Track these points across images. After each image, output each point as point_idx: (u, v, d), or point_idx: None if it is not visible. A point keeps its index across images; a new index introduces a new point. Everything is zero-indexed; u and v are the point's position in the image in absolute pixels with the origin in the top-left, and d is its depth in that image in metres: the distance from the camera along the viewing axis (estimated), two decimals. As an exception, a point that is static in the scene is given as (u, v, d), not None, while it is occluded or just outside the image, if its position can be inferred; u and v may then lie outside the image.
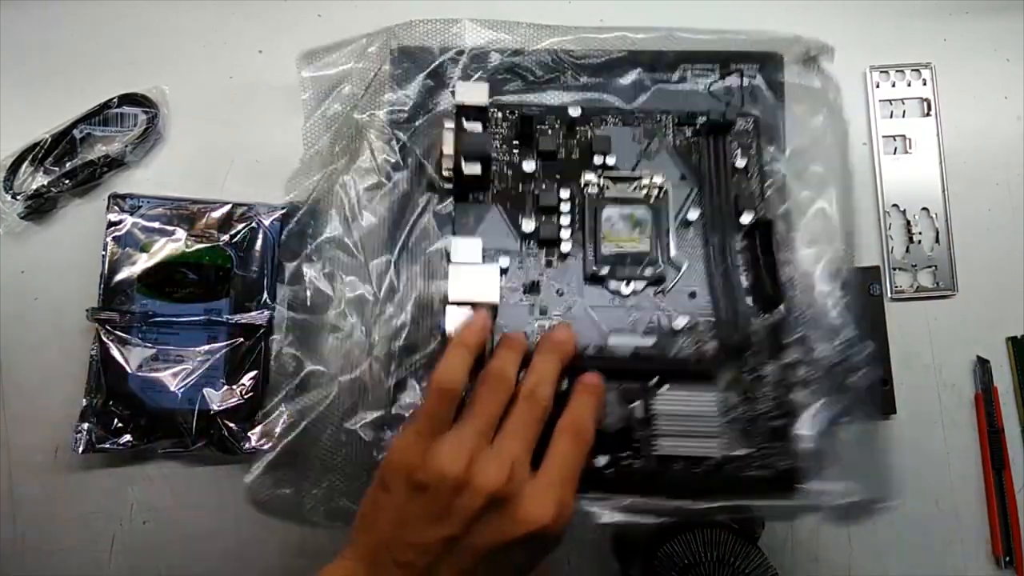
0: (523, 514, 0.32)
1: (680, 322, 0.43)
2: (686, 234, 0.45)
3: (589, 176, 0.45)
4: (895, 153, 0.55)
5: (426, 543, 0.32)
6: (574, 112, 0.45)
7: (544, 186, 0.45)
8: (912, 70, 0.55)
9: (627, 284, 0.44)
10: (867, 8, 0.56)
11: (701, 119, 0.46)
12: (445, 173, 0.44)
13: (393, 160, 0.46)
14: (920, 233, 0.54)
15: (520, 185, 0.45)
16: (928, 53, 0.55)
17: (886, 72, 0.55)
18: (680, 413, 0.41)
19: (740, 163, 0.46)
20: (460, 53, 0.47)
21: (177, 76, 0.54)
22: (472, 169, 0.43)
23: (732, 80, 0.48)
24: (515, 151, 0.46)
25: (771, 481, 0.41)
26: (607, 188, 0.45)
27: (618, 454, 0.41)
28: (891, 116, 0.55)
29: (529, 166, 0.45)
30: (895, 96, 0.55)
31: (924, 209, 0.54)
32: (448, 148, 0.43)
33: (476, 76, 0.47)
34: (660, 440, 0.41)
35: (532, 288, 0.44)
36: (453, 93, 0.45)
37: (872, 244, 0.54)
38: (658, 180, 0.45)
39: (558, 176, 0.46)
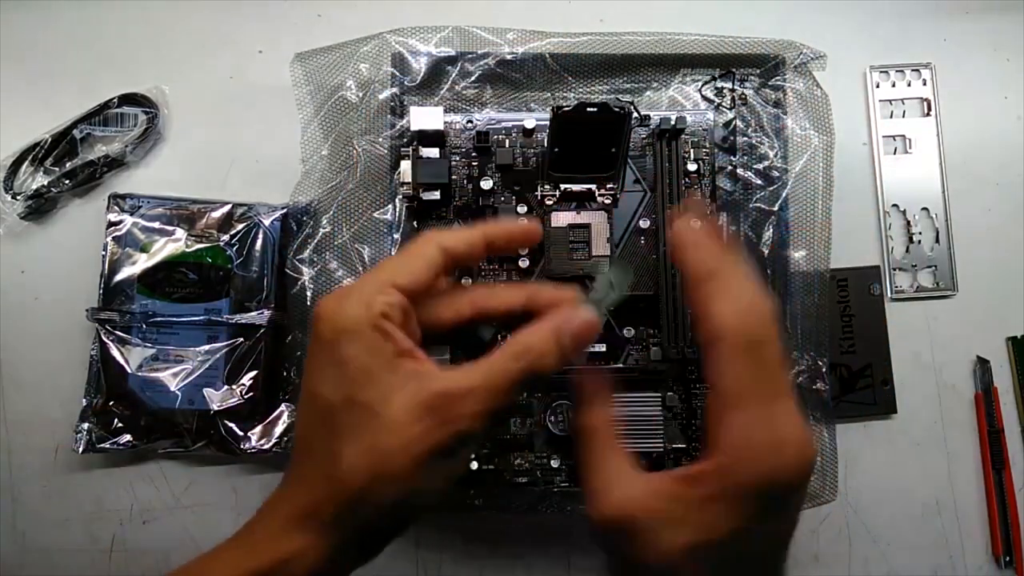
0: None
1: (629, 332, 0.46)
2: (638, 242, 0.46)
3: (545, 187, 0.46)
4: (895, 153, 0.55)
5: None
6: (529, 123, 0.46)
7: (503, 198, 0.46)
8: (912, 70, 0.55)
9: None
10: (867, 8, 0.56)
11: (655, 121, 0.47)
12: (403, 198, 0.46)
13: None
14: (920, 233, 0.54)
15: (480, 199, 0.47)
16: (928, 53, 0.55)
17: (886, 72, 0.55)
18: (627, 415, 0.45)
19: (692, 167, 0.47)
20: (452, 60, 0.48)
21: (177, 76, 0.54)
22: (431, 196, 0.45)
23: (726, 83, 0.49)
24: (474, 163, 0.47)
25: None
26: (559, 199, 0.46)
27: (568, 453, 0.45)
28: (891, 116, 0.55)
29: (487, 183, 0.46)
30: (895, 96, 0.55)
31: (924, 209, 0.54)
32: (406, 176, 0.44)
33: (465, 83, 0.48)
34: None
35: None
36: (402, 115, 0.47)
37: (872, 244, 0.54)
38: (610, 187, 0.46)
39: (516, 188, 0.46)
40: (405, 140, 0.46)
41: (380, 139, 0.47)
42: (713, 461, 0.27)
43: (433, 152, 0.46)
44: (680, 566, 0.26)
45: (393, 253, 0.46)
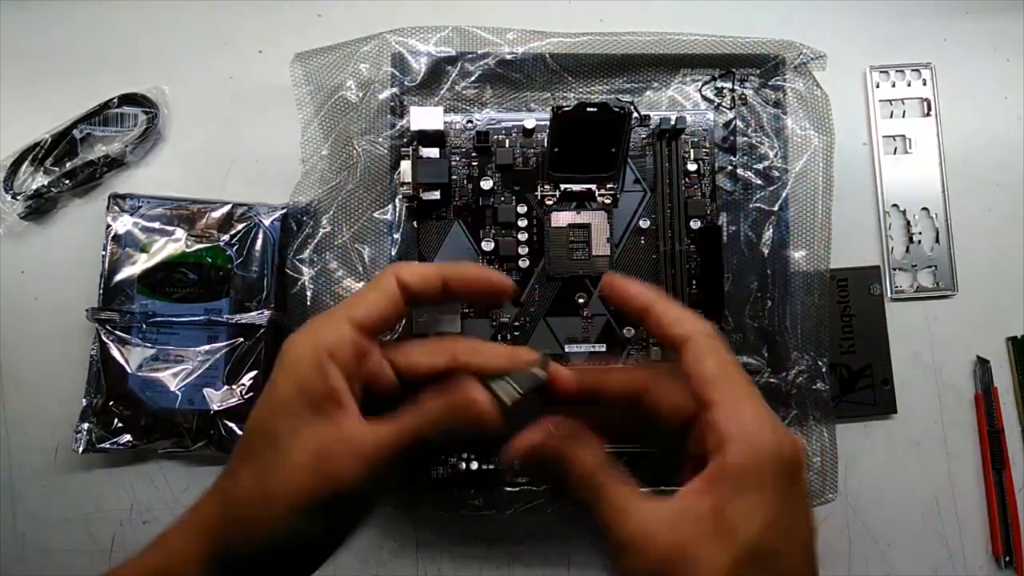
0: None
1: (629, 332, 0.46)
2: (637, 242, 0.46)
3: (545, 187, 0.46)
4: (895, 153, 0.55)
5: None
6: (529, 123, 0.46)
7: (503, 198, 0.46)
8: (912, 70, 0.55)
9: (580, 297, 0.46)
10: (867, 8, 0.56)
11: (655, 121, 0.47)
12: (403, 198, 0.46)
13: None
14: (920, 233, 0.54)
15: (480, 199, 0.47)
16: (928, 53, 0.55)
17: (886, 72, 0.55)
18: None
19: (692, 167, 0.47)
20: (452, 60, 0.48)
21: (177, 76, 0.54)
22: (431, 196, 0.44)
23: (726, 83, 0.49)
24: (474, 163, 0.47)
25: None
26: (559, 199, 0.46)
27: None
28: (891, 116, 0.55)
29: (487, 183, 0.47)
30: (895, 96, 0.55)
31: (924, 209, 0.54)
32: (406, 176, 0.44)
33: (465, 83, 0.48)
34: (605, 440, 0.44)
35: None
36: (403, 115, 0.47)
37: (872, 244, 0.54)
38: (610, 187, 0.46)
39: (516, 188, 0.46)
40: (405, 140, 0.46)
41: (380, 139, 0.47)
42: (716, 462, 0.26)
43: (433, 152, 0.46)
44: None
45: (393, 254, 0.46)
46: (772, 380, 0.46)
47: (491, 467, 0.46)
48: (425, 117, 0.45)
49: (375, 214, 0.48)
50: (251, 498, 0.28)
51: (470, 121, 0.47)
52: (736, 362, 0.29)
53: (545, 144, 0.45)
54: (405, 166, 0.45)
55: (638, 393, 0.30)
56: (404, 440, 0.28)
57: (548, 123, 0.43)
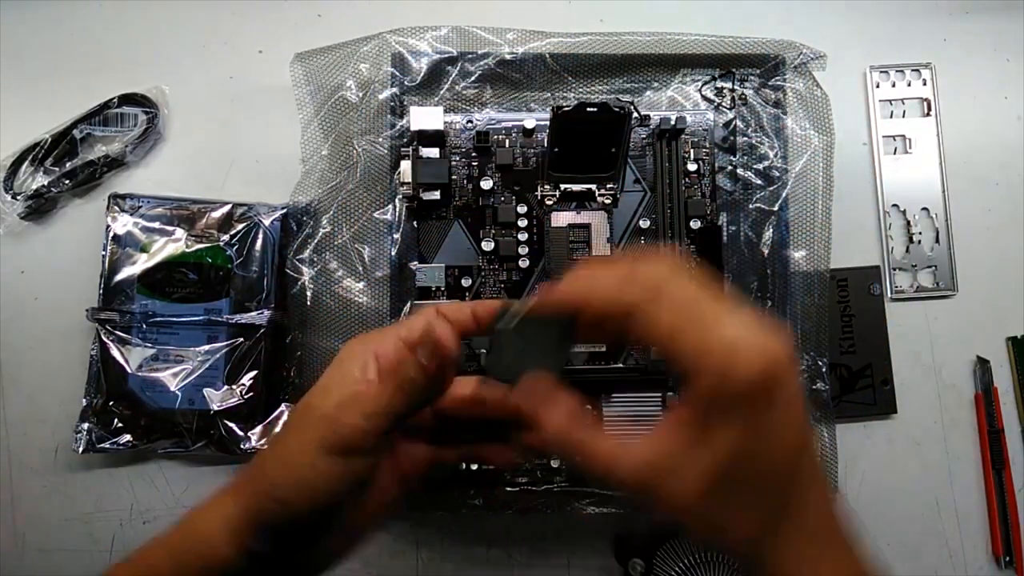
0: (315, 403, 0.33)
1: None
2: (638, 242, 0.46)
3: (545, 187, 0.46)
4: (895, 153, 0.55)
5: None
6: (529, 123, 0.46)
7: (503, 198, 0.46)
8: (912, 70, 0.55)
9: None
10: (867, 8, 0.56)
11: (655, 121, 0.47)
12: (403, 198, 0.46)
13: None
14: (920, 233, 0.54)
15: (479, 199, 0.47)
16: (928, 53, 0.55)
17: (886, 72, 0.55)
18: (626, 415, 0.46)
19: (692, 167, 0.47)
20: (452, 60, 0.48)
21: (177, 76, 0.54)
22: (431, 196, 0.44)
23: (726, 83, 0.49)
24: (474, 163, 0.47)
25: None
26: (559, 198, 0.46)
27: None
28: (891, 116, 0.55)
29: (487, 183, 0.47)
30: (895, 96, 0.55)
31: (924, 209, 0.54)
32: (406, 176, 0.44)
33: (465, 83, 0.48)
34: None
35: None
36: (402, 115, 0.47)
37: (872, 244, 0.54)
38: (610, 187, 0.46)
39: (516, 188, 0.46)
40: (405, 140, 0.46)
41: (380, 139, 0.47)
42: (687, 394, 0.27)
43: (433, 152, 0.46)
44: (706, 510, 0.27)
45: (393, 254, 0.46)
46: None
47: (491, 468, 0.46)
48: (425, 117, 0.45)
49: (375, 214, 0.48)
50: (285, 454, 0.32)
51: (470, 121, 0.47)
52: (690, 289, 0.27)
53: (545, 144, 0.45)
54: (405, 166, 0.45)
55: (622, 316, 0.29)
56: (393, 394, 0.32)
57: (548, 123, 0.43)
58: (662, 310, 0.27)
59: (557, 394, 0.30)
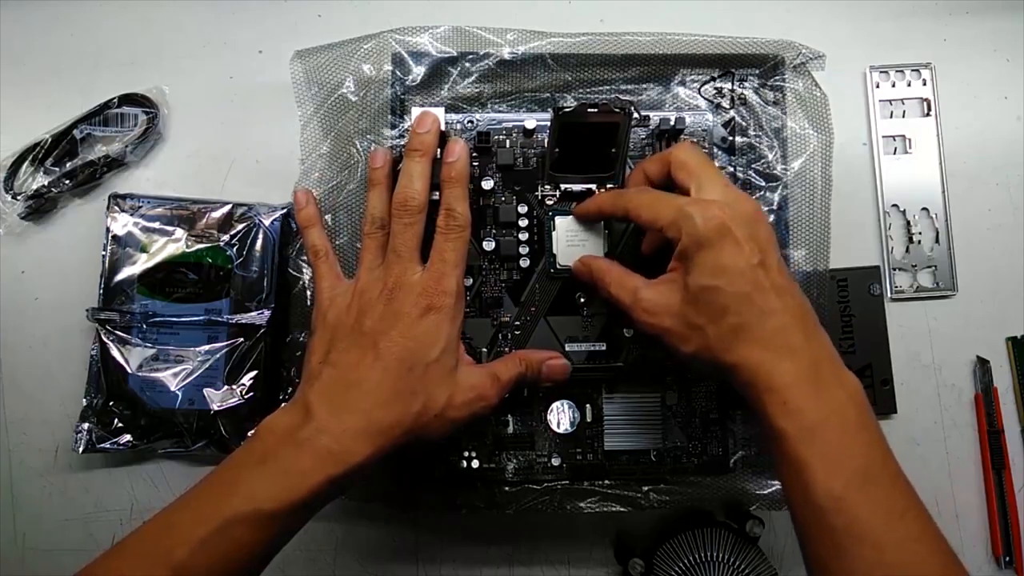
0: (403, 299, 0.39)
1: (629, 331, 0.46)
2: (637, 242, 0.46)
3: (545, 187, 0.46)
4: (895, 153, 0.55)
5: (334, 339, 0.40)
6: (530, 124, 0.46)
7: (504, 198, 0.46)
8: (912, 70, 0.55)
9: (581, 296, 0.46)
10: (867, 8, 0.56)
11: (655, 121, 0.47)
12: None
13: None
14: (920, 233, 0.54)
15: (480, 199, 0.47)
16: (928, 53, 0.55)
17: (886, 72, 0.55)
18: (626, 413, 0.46)
19: None
20: (452, 60, 0.48)
21: (177, 76, 0.54)
22: (431, 195, 0.44)
23: (725, 83, 0.49)
24: (475, 163, 0.47)
25: (705, 466, 0.47)
26: (559, 199, 0.46)
27: (571, 451, 0.47)
28: (891, 116, 0.55)
29: (488, 184, 0.47)
30: (895, 96, 0.55)
31: (924, 209, 0.54)
32: None
33: (465, 83, 0.48)
34: (607, 438, 0.46)
35: (494, 303, 0.46)
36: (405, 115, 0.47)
37: (872, 244, 0.54)
38: (610, 187, 0.46)
39: (517, 188, 0.46)
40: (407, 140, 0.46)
41: (381, 139, 0.47)
42: (675, 249, 0.38)
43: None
44: (682, 329, 0.38)
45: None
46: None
47: (491, 466, 0.46)
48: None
49: (375, 214, 0.48)
50: (440, 407, 0.39)
51: (471, 121, 0.47)
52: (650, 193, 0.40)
53: (545, 144, 0.45)
54: None
55: (625, 211, 0.40)
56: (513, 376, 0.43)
57: (548, 123, 0.43)
58: (643, 207, 0.39)
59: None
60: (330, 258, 0.44)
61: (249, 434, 0.39)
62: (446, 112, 0.45)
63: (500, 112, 0.48)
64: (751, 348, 0.36)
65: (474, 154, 0.47)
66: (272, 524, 0.34)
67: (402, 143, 0.47)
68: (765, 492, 0.47)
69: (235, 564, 0.34)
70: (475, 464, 0.46)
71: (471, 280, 0.46)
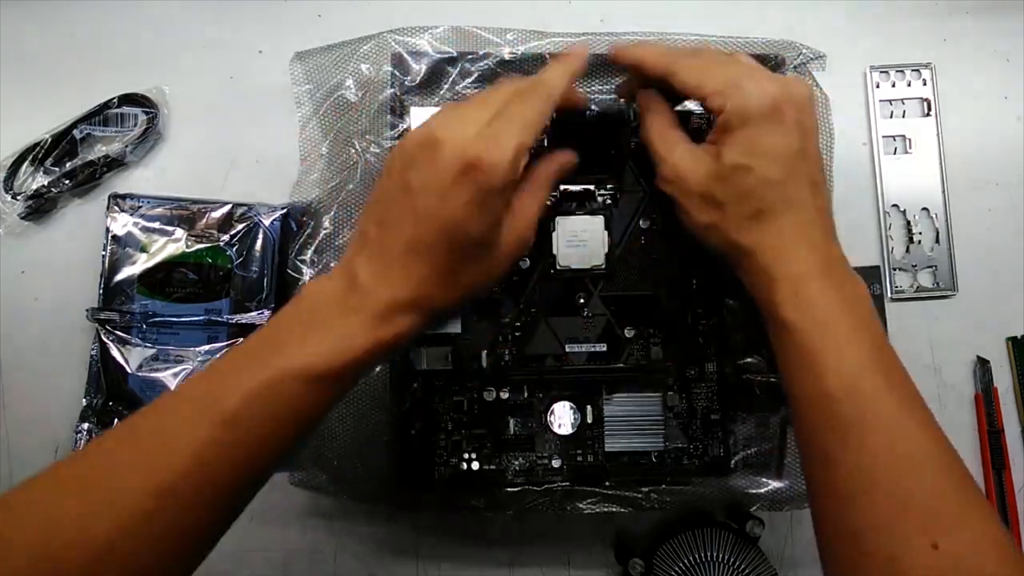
0: (452, 146, 0.34)
1: (630, 332, 0.46)
2: (638, 242, 0.46)
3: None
4: (895, 153, 0.55)
5: (387, 200, 0.35)
6: None
7: None
8: (912, 70, 0.55)
9: (581, 297, 0.46)
10: (867, 8, 0.56)
11: None
12: None
13: None
14: (920, 233, 0.54)
15: None
16: (928, 53, 0.55)
17: (886, 72, 0.55)
18: (627, 415, 0.46)
19: None
20: (452, 60, 0.48)
21: (177, 76, 0.54)
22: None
23: None
24: None
25: (706, 467, 0.46)
26: (560, 201, 0.46)
27: (572, 452, 0.46)
28: (891, 116, 0.55)
29: None
30: (895, 96, 0.55)
31: (924, 209, 0.54)
32: None
33: (465, 83, 0.48)
34: (608, 439, 0.46)
35: (494, 304, 0.46)
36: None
37: (872, 244, 0.54)
38: (610, 187, 0.45)
39: None
40: None
41: (380, 139, 0.47)
42: (716, 122, 0.36)
43: None
44: (707, 202, 0.37)
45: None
46: (773, 378, 0.46)
47: (492, 468, 0.46)
48: (425, 118, 0.45)
49: (375, 214, 0.48)
50: (479, 283, 0.37)
51: None
52: (737, 61, 0.38)
53: (545, 144, 0.45)
54: None
55: (668, 74, 0.38)
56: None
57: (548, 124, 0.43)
58: (691, 69, 0.37)
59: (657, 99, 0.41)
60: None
61: (294, 294, 0.37)
62: None
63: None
64: (769, 235, 0.35)
65: None
66: (321, 384, 0.33)
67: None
68: (765, 492, 0.47)
69: (283, 421, 0.33)
70: (476, 466, 0.46)
71: None
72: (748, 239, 0.36)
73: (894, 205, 0.54)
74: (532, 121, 0.35)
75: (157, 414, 0.33)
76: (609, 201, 0.46)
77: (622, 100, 0.46)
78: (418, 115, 0.45)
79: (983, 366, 0.53)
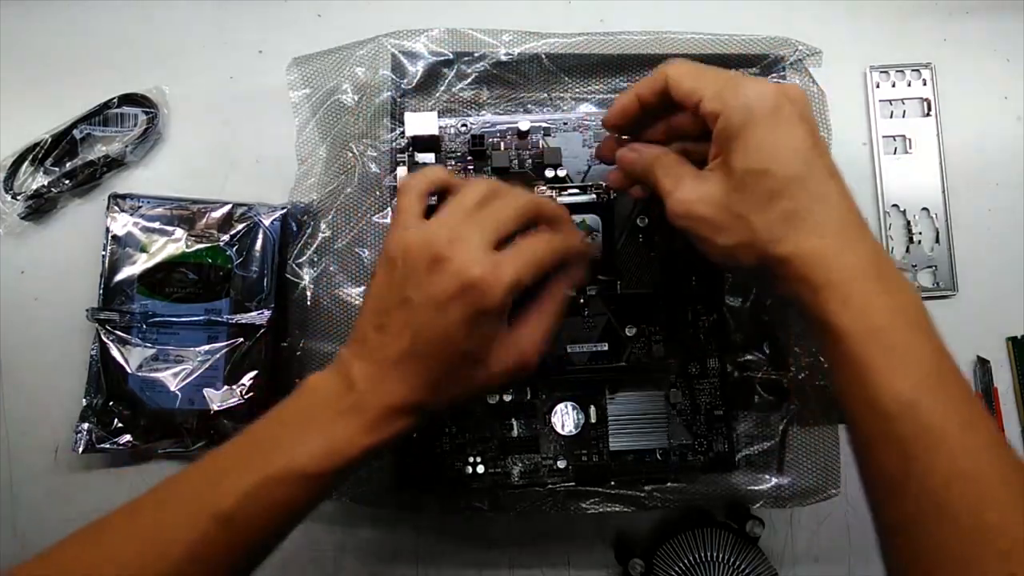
0: (453, 266, 0.33)
1: (631, 330, 0.46)
2: (636, 240, 0.46)
3: (541, 188, 0.46)
4: (895, 153, 0.55)
5: (386, 306, 0.35)
6: (524, 125, 0.46)
7: None
8: (912, 70, 0.55)
9: (581, 297, 0.46)
10: (867, 8, 0.56)
11: None
12: None
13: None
14: (920, 233, 0.54)
15: None
16: (928, 53, 0.55)
17: (886, 72, 0.55)
18: (631, 413, 0.46)
19: None
20: (448, 63, 0.48)
21: (177, 76, 0.54)
22: (428, 200, 0.44)
23: None
24: (470, 167, 0.47)
25: (710, 464, 0.47)
26: (557, 199, 0.46)
27: (577, 453, 0.46)
28: (891, 116, 0.55)
29: None
30: (895, 96, 0.55)
31: (924, 209, 0.54)
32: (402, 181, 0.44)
33: (461, 85, 0.48)
34: (612, 438, 0.46)
35: None
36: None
37: (872, 244, 0.54)
38: (605, 185, 0.46)
39: None
40: (403, 145, 0.46)
41: (378, 143, 0.47)
42: (713, 137, 0.34)
43: (429, 157, 0.46)
44: (724, 223, 0.34)
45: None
46: (773, 376, 0.46)
47: (496, 470, 0.46)
48: (419, 122, 0.45)
49: (374, 218, 0.48)
50: (481, 386, 0.36)
51: (464, 125, 0.47)
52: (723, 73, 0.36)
53: (540, 145, 0.46)
54: (401, 172, 0.45)
55: (663, 82, 0.36)
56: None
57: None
58: (684, 75, 0.35)
59: (649, 146, 0.39)
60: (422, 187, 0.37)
61: (296, 383, 0.38)
62: (439, 117, 0.45)
63: (494, 115, 0.48)
64: (806, 237, 0.32)
65: (469, 157, 0.47)
66: (313, 484, 0.34)
67: (399, 146, 0.47)
68: (767, 489, 0.47)
69: (276, 519, 0.34)
70: (480, 469, 0.46)
71: None
72: (783, 248, 0.33)
73: (894, 205, 0.54)
74: (537, 265, 0.35)
75: (155, 507, 0.35)
76: (606, 200, 0.46)
77: (613, 193, 0.46)
78: (412, 121, 0.45)
79: (983, 366, 0.53)
